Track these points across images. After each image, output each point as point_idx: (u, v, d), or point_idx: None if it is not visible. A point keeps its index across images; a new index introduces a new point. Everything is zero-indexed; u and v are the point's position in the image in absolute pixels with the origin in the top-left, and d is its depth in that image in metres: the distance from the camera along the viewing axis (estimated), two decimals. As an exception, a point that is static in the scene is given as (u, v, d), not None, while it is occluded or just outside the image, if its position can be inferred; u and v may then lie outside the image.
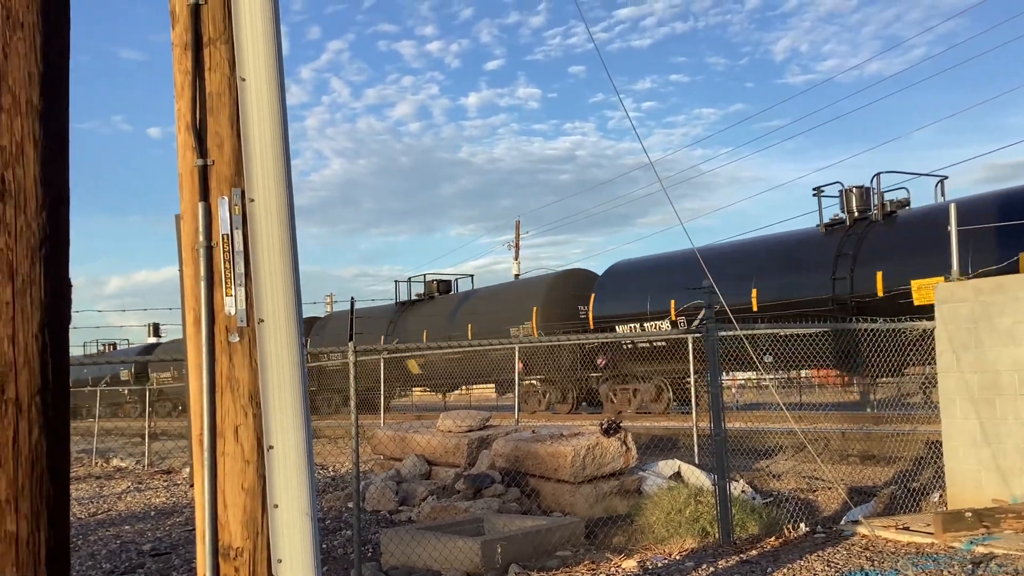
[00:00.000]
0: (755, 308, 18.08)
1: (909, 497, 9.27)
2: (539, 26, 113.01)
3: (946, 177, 18.34)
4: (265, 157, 3.88)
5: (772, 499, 9.97)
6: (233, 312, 3.76)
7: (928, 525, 7.80)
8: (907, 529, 7.94)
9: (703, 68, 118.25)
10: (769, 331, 9.32)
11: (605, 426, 10.45)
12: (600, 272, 24.67)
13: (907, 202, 17.92)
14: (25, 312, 3.50)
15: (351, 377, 6.98)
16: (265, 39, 3.96)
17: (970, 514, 7.56)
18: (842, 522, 8.62)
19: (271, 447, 3.69)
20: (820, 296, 17.35)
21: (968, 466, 8.78)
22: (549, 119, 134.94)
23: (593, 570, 7.36)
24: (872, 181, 18.04)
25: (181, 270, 3.95)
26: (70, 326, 3.69)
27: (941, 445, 9.16)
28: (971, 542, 7.17)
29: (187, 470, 17.24)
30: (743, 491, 10.48)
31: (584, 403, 24.38)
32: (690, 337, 12.74)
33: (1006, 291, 8.59)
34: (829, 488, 10.65)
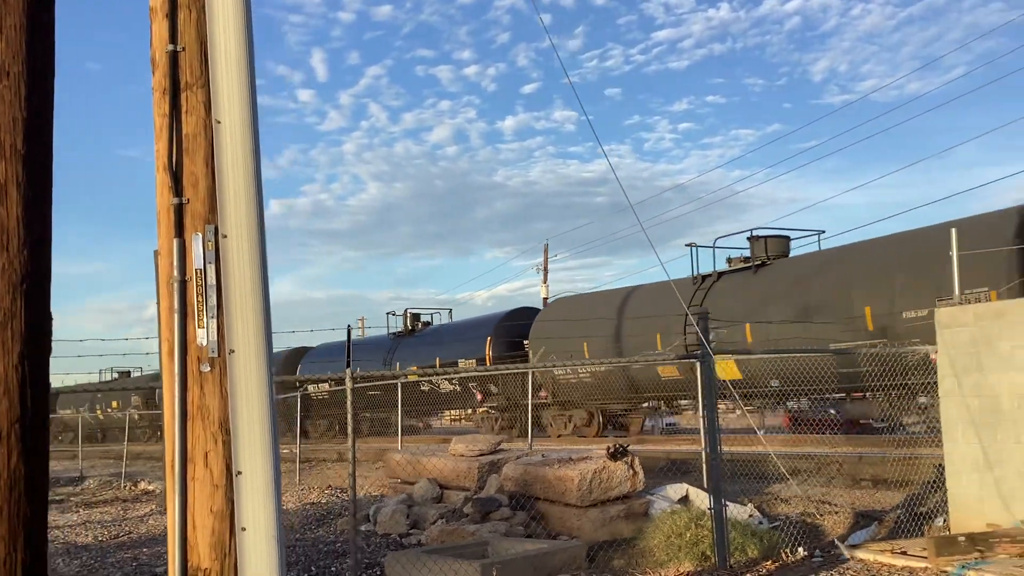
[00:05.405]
0: (488, 360, 25.57)
1: (913, 521, 9.25)
2: (576, 49, 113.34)
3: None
4: (238, 195, 4.08)
5: (780, 523, 9.99)
6: (205, 343, 3.95)
7: (924, 549, 7.80)
8: (904, 553, 7.96)
9: (740, 89, 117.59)
10: (764, 355, 9.37)
11: (612, 450, 10.51)
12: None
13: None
14: (5, 345, 3.71)
15: (348, 402, 7.15)
16: (240, 83, 4.16)
17: (963, 538, 7.56)
18: (842, 546, 8.64)
19: (239, 472, 3.86)
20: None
21: (970, 490, 8.77)
22: (585, 141, 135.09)
23: (588, 593, 7.46)
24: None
25: (159, 303, 4.15)
26: (51, 357, 3.91)
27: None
28: (963, 566, 7.18)
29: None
30: (751, 515, 10.50)
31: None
32: (699, 364, 12.75)
33: (1005, 316, 8.60)
34: (837, 512, 10.65)
